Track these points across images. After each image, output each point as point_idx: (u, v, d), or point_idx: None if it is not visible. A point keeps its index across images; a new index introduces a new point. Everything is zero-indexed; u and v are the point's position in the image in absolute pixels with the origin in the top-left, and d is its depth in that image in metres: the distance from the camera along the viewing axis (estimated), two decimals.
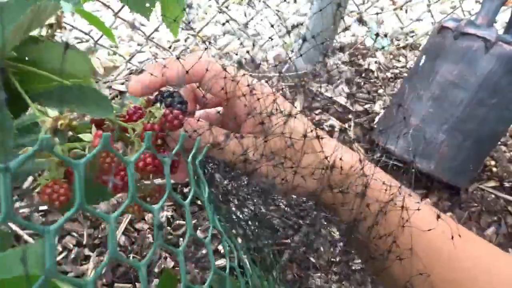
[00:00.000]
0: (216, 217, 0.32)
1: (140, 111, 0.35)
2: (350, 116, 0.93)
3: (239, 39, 1.24)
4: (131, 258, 0.72)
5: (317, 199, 0.36)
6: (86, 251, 0.72)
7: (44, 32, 0.71)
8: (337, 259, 0.75)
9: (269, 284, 0.40)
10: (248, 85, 0.34)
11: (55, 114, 0.27)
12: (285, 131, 0.33)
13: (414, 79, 0.81)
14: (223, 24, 1.44)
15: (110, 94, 0.90)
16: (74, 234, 0.74)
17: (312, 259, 0.73)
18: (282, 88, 0.94)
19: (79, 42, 1.24)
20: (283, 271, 0.66)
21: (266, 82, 0.98)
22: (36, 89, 0.30)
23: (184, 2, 0.46)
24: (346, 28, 1.30)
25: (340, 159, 0.33)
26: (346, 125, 0.91)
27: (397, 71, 1.04)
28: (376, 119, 0.93)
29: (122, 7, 0.84)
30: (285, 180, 0.33)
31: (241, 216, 0.43)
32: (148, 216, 0.78)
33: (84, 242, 0.73)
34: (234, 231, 0.43)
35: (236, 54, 1.22)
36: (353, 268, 0.76)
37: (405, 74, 1.05)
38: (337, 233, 0.78)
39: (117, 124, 0.32)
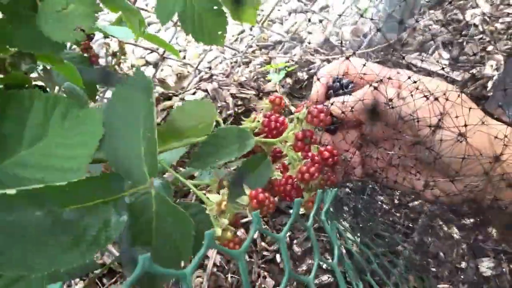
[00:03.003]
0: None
1: (276, 117, 0.33)
2: (455, 86, 0.77)
3: (307, 17, 1.12)
4: (228, 277, 0.69)
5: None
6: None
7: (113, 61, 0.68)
8: (463, 265, 0.63)
9: None
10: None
11: (217, 199, 0.27)
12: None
13: None
14: (286, 2, 1.33)
15: None
16: None
17: (432, 268, 0.62)
18: None
19: (149, 53, 1.25)
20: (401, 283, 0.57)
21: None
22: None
23: None
24: None
25: None
26: None
27: (509, 19, 0.84)
28: (489, 85, 0.76)
29: None
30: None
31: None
32: (240, 232, 0.74)
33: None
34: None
35: (309, 33, 1.11)
36: (485, 274, 0.63)
37: None
38: (458, 232, 0.64)
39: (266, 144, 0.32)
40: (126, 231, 0.25)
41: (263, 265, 0.68)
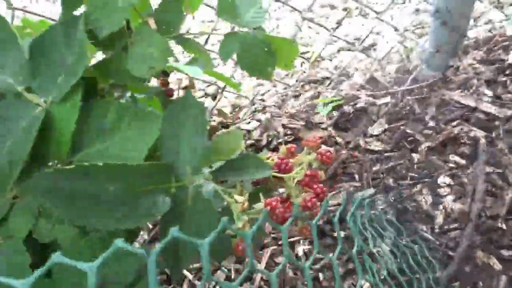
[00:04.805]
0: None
1: (286, 161, 0.43)
2: (497, 123, 0.81)
3: (354, 54, 1.20)
4: None
5: None
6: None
7: (181, 93, 0.80)
8: None
9: None
10: None
11: (241, 199, 0.36)
12: None
13: None
14: (335, 41, 1.42)
15: None
16: (224, 269, 0.81)
17: None
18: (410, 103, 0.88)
19: (208, 86, 1.38)
20: None
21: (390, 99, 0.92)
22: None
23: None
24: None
25: None
26: (494, 135, 0.79)
27: None
28: None
29: None
30: None
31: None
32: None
33: (233, 277, 0.79)
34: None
35: (357, 70, 1.19)
36: None
37: None
38: (498, 264, 0.67)
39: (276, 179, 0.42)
40: (166, 214, 0.35)
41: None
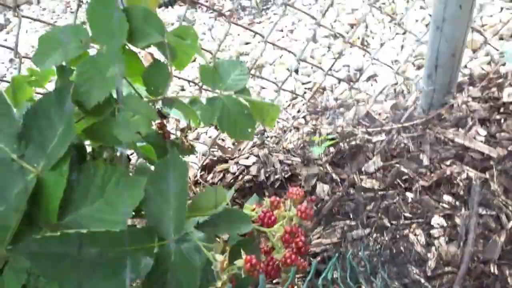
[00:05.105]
0: None
1: (270, 214, 0.46)
2: (491, 163, 0.81)
3: (352, 86, 1.22)
4: None
5: None
6: None
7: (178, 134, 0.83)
8: None
9: None
10: None
11: (220, 259, 0.38)
12: None
13: None
14: (337, 71, 1.44)
15: (238, 169, 0.99)
16: None
17: None
18: (403, 142, 0.89)
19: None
20: None
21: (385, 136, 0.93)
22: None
23: None
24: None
25: None
26: (487, 175, 0.79)
27: None
28: None
29: None
30: None
31: None
32: None
33: None
34: None
35: (357, 102, 1.21)
36: None
37: None
38: None
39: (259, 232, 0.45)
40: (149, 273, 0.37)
41: None
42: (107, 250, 0.36)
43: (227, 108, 0.43)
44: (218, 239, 0.48)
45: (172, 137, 0.74)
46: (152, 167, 0.63)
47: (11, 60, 1.86)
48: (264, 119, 0.45)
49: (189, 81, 1.07)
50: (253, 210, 0.49)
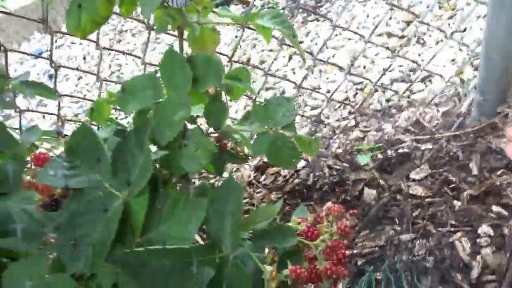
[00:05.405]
0: None
1: (313, 229, 0.52)
2: None
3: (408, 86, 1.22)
4: None
5: None
6: None
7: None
8: None
9: None
10: None
11: (270, 269, 0.45)
12: None
13: None
14: (390, 71, 1.44)
15: (288, 172, 1.06)
16: None
17: None
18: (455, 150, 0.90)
19: None
20: None
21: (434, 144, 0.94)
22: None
23: None
24: None
25: None
26: None
27: None
28: None
29: None
30: None
31: None
32: None
33: None
34: None
35: (409, 102, 1.21)
36: None
37: None
38: None
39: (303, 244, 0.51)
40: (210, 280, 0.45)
41: None
42: (179, 261, 0.45)
43: (275, 142, 0.50)
44: (267, 250, 0.56)
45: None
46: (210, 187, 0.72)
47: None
48: (306, 150, 0.52)
49: None
50: (299, 223, 0.56)
